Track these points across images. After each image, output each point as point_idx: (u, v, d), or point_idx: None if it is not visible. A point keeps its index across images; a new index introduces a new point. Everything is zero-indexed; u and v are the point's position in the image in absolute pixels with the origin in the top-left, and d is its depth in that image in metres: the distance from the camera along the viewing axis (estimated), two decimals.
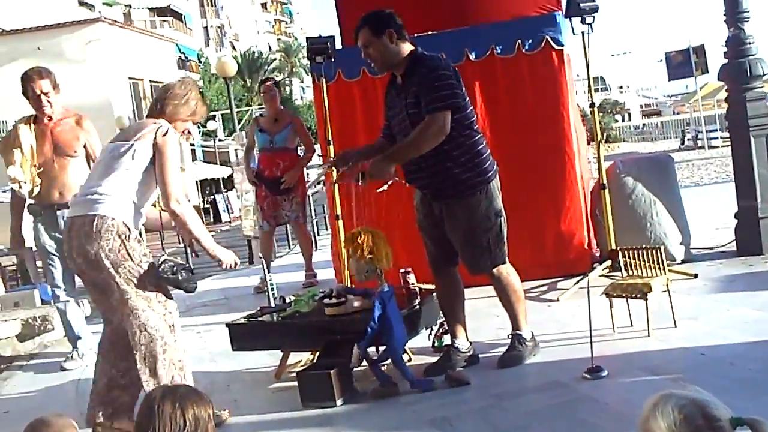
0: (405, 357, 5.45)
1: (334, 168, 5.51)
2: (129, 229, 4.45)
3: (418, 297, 5.34)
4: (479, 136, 5.09)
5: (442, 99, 4.85)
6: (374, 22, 5.05)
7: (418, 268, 5.65)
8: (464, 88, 5.02)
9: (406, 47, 5.06)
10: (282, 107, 9.52)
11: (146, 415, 2.37)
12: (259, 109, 48.63)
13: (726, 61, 7.41)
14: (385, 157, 4.93)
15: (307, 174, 10.92)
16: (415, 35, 5.70)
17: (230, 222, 38.25)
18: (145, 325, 4.45)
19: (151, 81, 42.94)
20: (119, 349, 4.63)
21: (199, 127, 48.56)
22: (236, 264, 4.84)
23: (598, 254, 7.51)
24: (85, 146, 6.65)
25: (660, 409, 1.89)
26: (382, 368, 4.93)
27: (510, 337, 5.22)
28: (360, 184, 4.90)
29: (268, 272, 6.32)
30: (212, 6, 79.21)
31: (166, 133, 4.55)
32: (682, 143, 42.42)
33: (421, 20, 7.30)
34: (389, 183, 4.97)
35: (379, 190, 5.01)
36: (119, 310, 4.51)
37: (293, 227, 9.34)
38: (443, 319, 5.54)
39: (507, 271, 5.14)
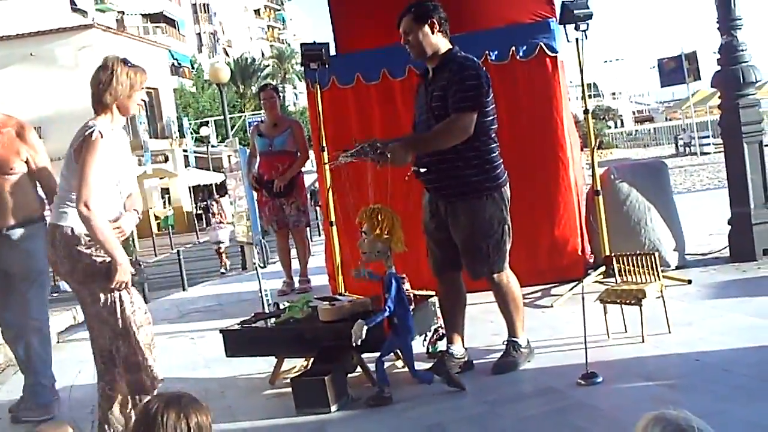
0: (399, 363, 5.46)
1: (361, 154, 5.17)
2: (77, 236, 4.32)
3: (413, 303, 5.33)
4: (495, 144, 5.10)
5: (469, 99, 4.89)
6: (418, 10, 5.08)
7: (413, 275, 5.66)
8: (492, 95, 5.05)
9: (445, 42, 5.09)
10: (281, 113, 9.62)
11: (148, 423, 2.35)
12: (252, 115, 48.72)
13: (719, 68, 7.44)
14: (405, 144, 4.93)
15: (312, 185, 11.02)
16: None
17: None
18: (114, 325, 4.39)
19: (143, 87, 42.84)
20: (102, 362, 4.57)
21: (192, 133, 48.58)
22: (124, 285, 4.44)
23: (592, 260, 7.52)
24: (27, 161, 5.59)
25: None
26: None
27: (505, 343, 5.22)
28: (377, 165, 4.87)
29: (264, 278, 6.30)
30: (205, 12, 79.21)
31: (92, 136, 4.38)
32: (679, 149, 42.37)
33: None
34: (409, 174, 4.96)
35: (407, 177, 5.00)
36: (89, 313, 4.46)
37: (292, 232, 9.37)
38: (437, 325, 5.54)
39: (507, 278, 5.14)
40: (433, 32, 5.03)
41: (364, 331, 4.66)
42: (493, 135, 5.09)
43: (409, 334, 4.87)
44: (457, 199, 5.02)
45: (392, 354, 5.34)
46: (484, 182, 5.01)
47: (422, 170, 4.96)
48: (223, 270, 17.98)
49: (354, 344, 4.72)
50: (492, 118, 5.05)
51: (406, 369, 5.22)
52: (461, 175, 4.95)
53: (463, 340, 5.30)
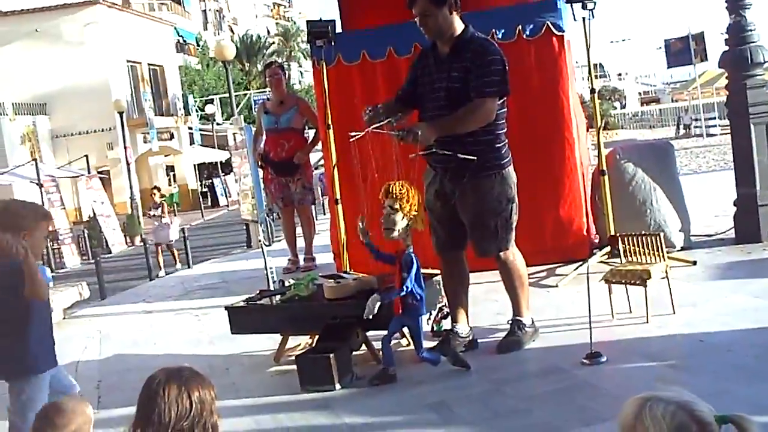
0: (404, 342, 5.47)
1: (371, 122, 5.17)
2: None
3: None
4: (505, 129, 5.15)
5: (495, 84, 4.91)
6: None
7: (418, 253, 5.65)
8: None
9: (460, 22, 5.07)
10: (287, 91, 9.62)
11: (150, 398, 2.36)
12: (258, 93, 48.60)
13: (727, 48, 7.39)
14: (432, 126, 4.90)
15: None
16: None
17: (228, 206, 38.26)
18: None
19: (149, 64, 42.83)
20: None
21: (197, 111, 48.55)
22: None
23: (597, 240, 7.52)
24: None
25: (647, 415, 1.84)
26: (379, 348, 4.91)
27: (510, 322, 5.22)
28: (401, 141, 4.87)
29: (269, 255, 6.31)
30: None
31: None
32: (680, 130, 42.21)
33: None
34: (418, 154, 4.95)
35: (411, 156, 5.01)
36: None
37: (297, 209, 9.38)
38: (442, 303, 5.55)
39: (513, 255, 5.15)
40: (451, 13, 5.01)
41: (377, 307, 4.65)
42: (504, 120, 5.14)
43: (420, 315, 4.85)
44: (468, 179, 5.01)
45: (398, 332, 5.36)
46: (493, 160, 5.03)
47: (446, 152, 4.94)
48: (179, 266, 16.28)
49: (366, 318, 4.70)
50: (504, 101, 5.09)
51: (411, 347, 5.24)
52: (472, 152, 4.94)
53: (467, 318, 5.32)
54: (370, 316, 4.70)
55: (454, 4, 5.01)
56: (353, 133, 5.07)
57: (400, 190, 4.76)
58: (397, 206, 4.73)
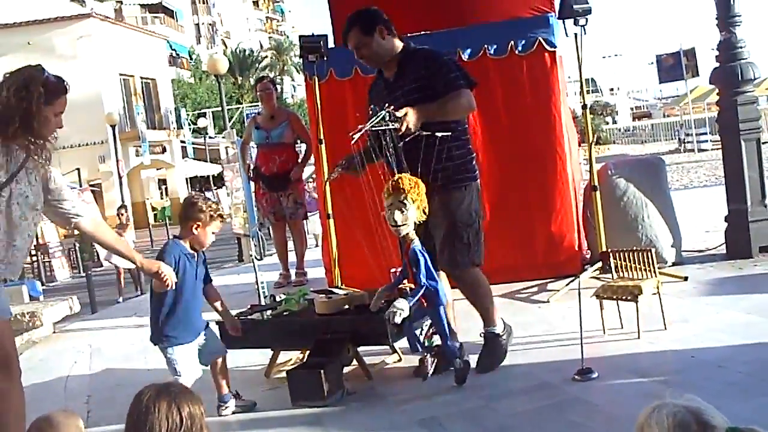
0: (395, 357, 5.46)
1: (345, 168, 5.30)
2: None
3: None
4: (468, 135, 5.19)
5: (462, 78, 4.94)
6: (363, 21, 5.06)
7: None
8: None
9: (397, 42, 5.10)
10: (278, 105, 9.63)
11: (141, 413, 2.35)
12: (250, 107, 48.64)
13: (718, 64, 7.42)
14: (419, 110, 4.76)
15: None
16: (408, 35, 5.69)
17: None
18: None
19: (141, 77, 42.86)
20: None
21: (189, 124, 48.57)
22: None
23: (588, 256, 7.52)
24: None
25: (654, 416, 1.87)
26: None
27: (483, 335, 5.19)
28: (399, 134, 4.75)
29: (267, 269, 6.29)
30: (204, 3, 79.07)
31: None
32: (683, 144, 42.25)
33: (415, 20, 7.30)
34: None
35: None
36: None
37: (289, 224, 9.38)
38: None
39: (477, 270, 5.15)
40: (384, 38, 5.04)
41: (407, 309, 4.55)
42: (467, 126, 5.19)
43: (440, 305, 4.78)
44: (439, 192, 4.99)
45: (388, 347, 5.35)
46: (464, 173, 5.05)
47: (423, 132, 4.82)
48: (121, 299, 15.84)
49: (401, 321, 4.59)
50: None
51: (399, 364, 5.23)
52: (444, 166, 4.93)
53: (455, 335, 5.31)
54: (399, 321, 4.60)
55: (386, 29, 5.05)
56: (353, 134, 5.03)
57: (410, 182, 4.66)
58: (408, 199, 4.60)
